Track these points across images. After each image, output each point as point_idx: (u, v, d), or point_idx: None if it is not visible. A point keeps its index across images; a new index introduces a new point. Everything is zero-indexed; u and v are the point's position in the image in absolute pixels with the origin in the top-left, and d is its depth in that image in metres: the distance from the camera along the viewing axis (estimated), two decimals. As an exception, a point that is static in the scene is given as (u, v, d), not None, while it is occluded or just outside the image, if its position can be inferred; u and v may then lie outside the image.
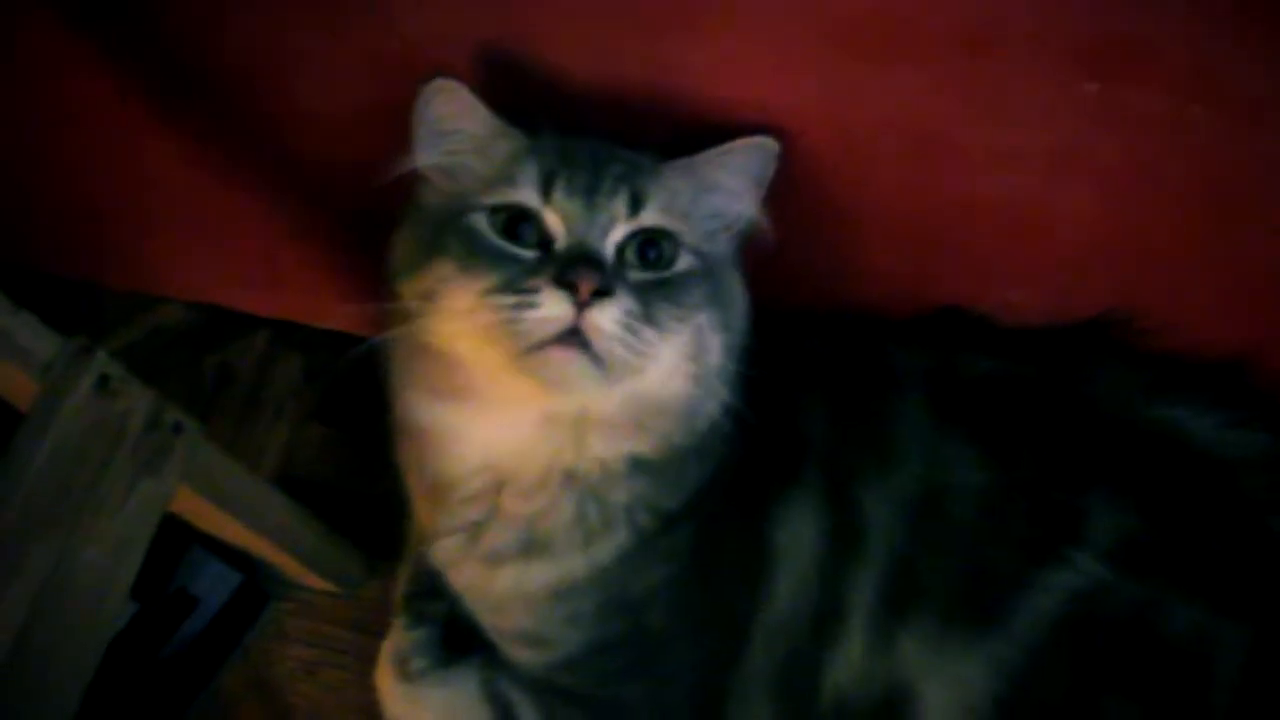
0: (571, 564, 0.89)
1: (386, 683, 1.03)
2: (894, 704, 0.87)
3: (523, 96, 0.92)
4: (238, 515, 1.04)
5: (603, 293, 0.75)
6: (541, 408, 0.83)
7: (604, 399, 0.81)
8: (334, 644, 1.20)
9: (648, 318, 0.78)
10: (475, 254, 0.80)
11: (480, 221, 0.81)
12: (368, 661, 1.06)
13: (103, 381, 0.86)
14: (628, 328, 0.76)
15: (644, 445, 0.85)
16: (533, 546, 0.89)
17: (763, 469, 0.90)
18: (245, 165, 1.12)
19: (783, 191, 0.88)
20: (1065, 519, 0.87)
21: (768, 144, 0.87)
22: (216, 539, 1.13)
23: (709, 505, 0.89)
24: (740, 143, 0.86)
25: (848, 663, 0.88)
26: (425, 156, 0.86)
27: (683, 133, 0.88)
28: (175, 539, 1.17)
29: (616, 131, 0.87)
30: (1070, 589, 0.85)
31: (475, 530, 0.90)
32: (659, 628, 0.91)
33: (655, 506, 0.88)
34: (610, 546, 0.88)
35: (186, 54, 1.01)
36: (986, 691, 0.85)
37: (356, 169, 0.86)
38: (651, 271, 0.81)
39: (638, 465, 0.86)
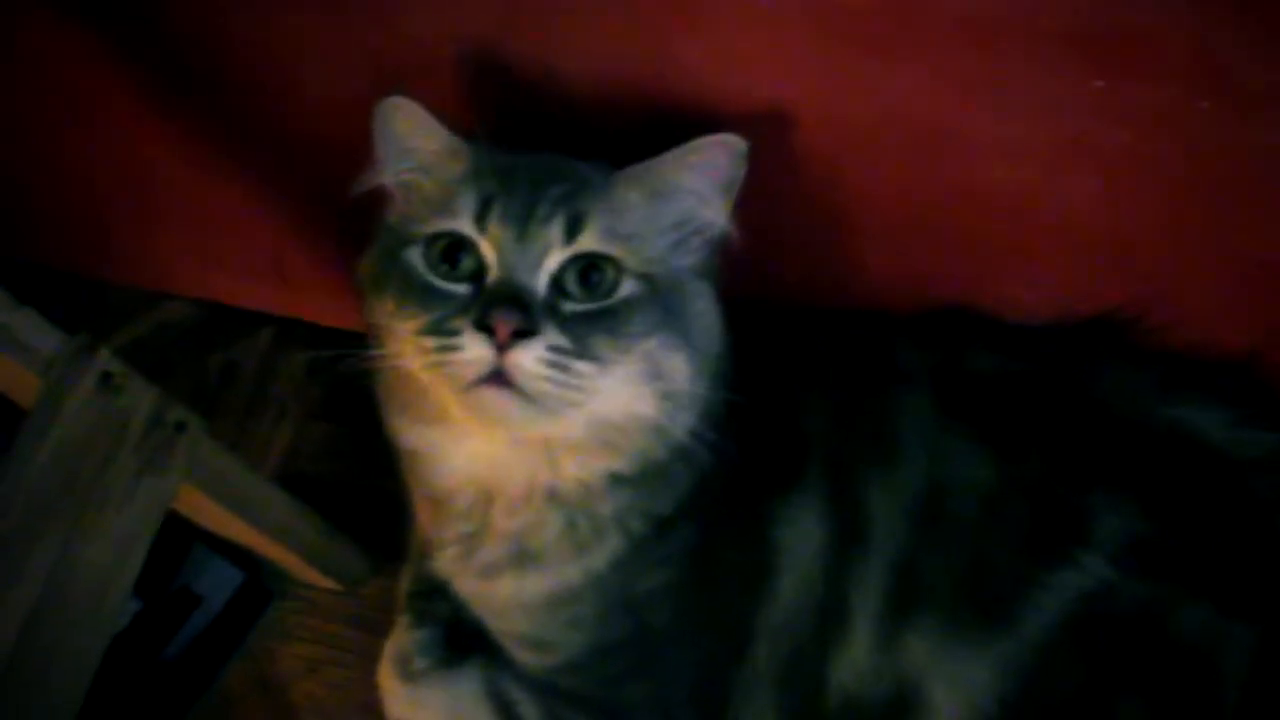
0: (566, 573, 0.88)
1: (388, 682, 1.03)
2: (900, 703, 0.87)
3: (516, 92, 0.92)
4: (240, 513, 1.03)
5: (525, 333, 0.74)
6: (506, 433, 0.82)
7: (560, 427, 0.79)
8: (337, 642, 1.19)
9: (582, 351, 0.76)
10: (409, 292, 0.79)
11: (415, 257, 0.80)
12: (371, 660, 1.06)
13: (105, 379, 0.86)
14: (554, 365, 0.74)
15: (618, 463, 0.84)
16: (525, 559, 0.88)
17: (765, 468, 0.88)
18: (250, 160, 1.12)
19: (784, 187, 0.87)
20: (1071, 518, 0.86)
21: (732, 142, 0.81)
22: (219, 537, 1.13)
23: (708, 506, 0.88)
24: (701, 142, 0.81)
25: (853, 662, 0.88)
26: (385, 174, 0.85)
27: (683, 128, 0.87)
28: (178, 537, 1.16)
29: (582, 139, 0.85)
30: (1077, 589, 0.84)
31: (469, 544, 0.90)
32: (661, 629, 0.91)
33: (647, 513, 0.87)
34: (604, 554, 0.88)
35: (190, 47, 1.01)
36: (993, 691, 0.85)
37: (361, 164, 0.86)
38: (590, 301, 0.78)
39: (617, 480, 0.85)
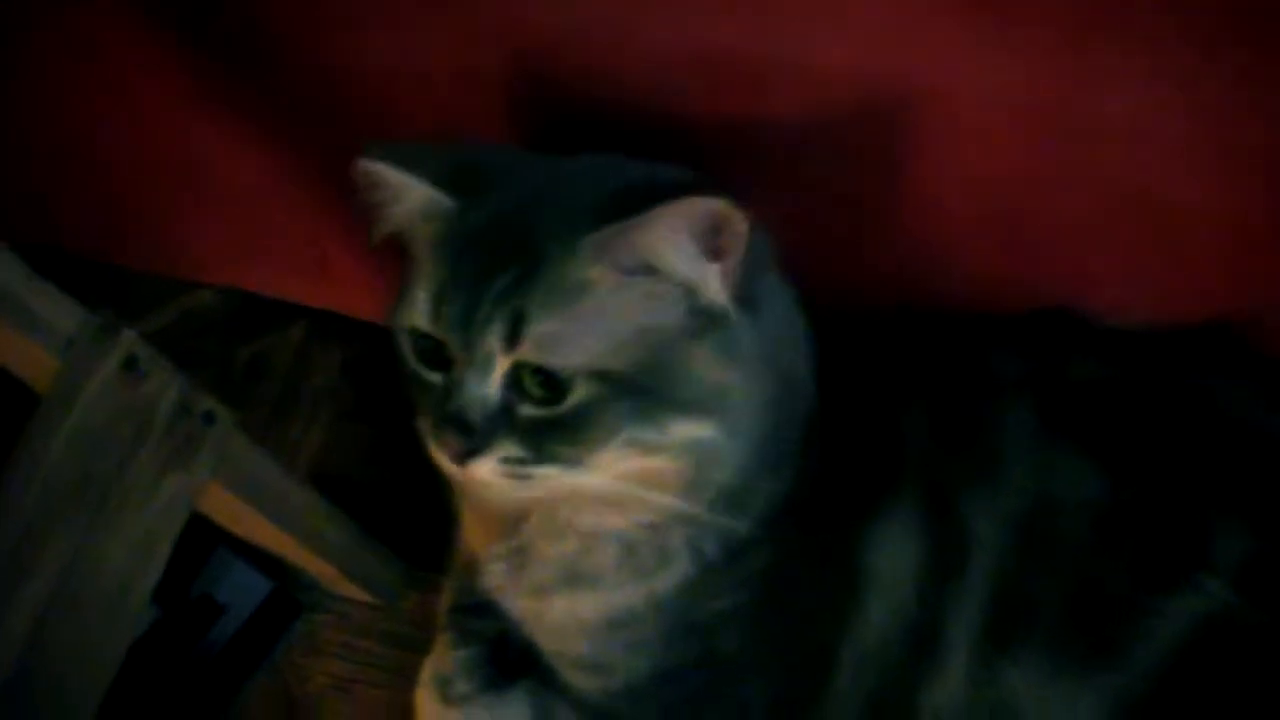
0: (626, 595, 0.85)
1: (427, 705, 0.99)
2: None
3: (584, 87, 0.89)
4: (269, 516, 0.99)
5: (472, 452, 0.74)
6: None
7: (556, 493, 0.78)
8: (371, 659, 1.16)
9: (539, 459, 0.75)
10: (406, 370, 0.79)
11: (404, 343, 0.78)
12: (406, 679, 1.03)
13: (129, 362, 0.82)
14: (512, 473, 0.75)
15: (646, 516, 0.81)
16: (579, 580, 0.85)
17: (855, 485, 0.84)
18: (303, 147, 1.09)
19: (881, 170, 0.83)
20: (1189, 538, 0.81)
21: (709, 205, 0.69)
22: (243, 541, 1.08)
23: (789, 524, 0.83)
24: (678, 204, 0.69)
25: (947, 692, 0.83)
26: (389, 225, 0.80)
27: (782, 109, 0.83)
28: (200, 540, 1.13)
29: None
30: (1195, 613, 0.79)
31: (518, 560, 0.87)
32: (732, 654, 0.86)
33: (723, 536, 0.83)
34: (670, 578, 0.84)
35: (246, 34, 0.99)
36: None
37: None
38: (544, 406, 0.74)
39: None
